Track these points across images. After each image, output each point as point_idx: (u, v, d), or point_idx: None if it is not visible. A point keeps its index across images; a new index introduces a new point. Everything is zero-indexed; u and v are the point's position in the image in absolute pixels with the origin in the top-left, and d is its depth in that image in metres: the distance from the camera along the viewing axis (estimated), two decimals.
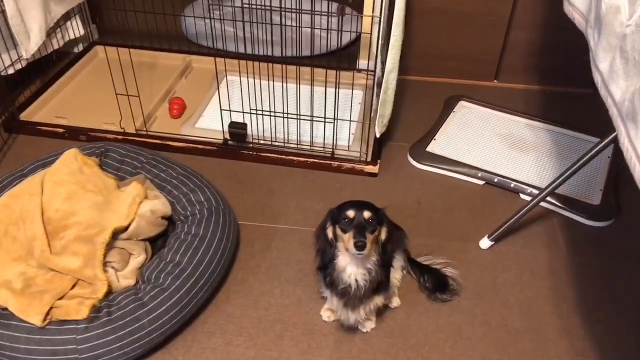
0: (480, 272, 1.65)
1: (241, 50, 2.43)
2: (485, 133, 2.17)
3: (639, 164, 0.95)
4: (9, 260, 1.42)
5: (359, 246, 1.22)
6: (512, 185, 1.92)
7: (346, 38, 2.59)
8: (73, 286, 1.36)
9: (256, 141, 2.01)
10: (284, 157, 2.01)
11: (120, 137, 2.08)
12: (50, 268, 1.36)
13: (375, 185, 1.96)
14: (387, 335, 1.48)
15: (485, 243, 1.73)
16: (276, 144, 2.01)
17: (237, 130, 1.94)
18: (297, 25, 2.31)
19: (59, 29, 2.33)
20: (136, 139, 2.07)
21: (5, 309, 1.33)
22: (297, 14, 2.07)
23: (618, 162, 2.03)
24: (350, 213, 1.29)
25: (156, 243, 1.59)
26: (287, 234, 1.77)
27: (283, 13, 2.09)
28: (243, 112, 1.92)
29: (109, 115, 2.12)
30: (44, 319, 1.29)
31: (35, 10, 2.05)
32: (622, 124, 1.04)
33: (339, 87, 1.85)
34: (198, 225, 1.55)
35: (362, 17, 2.29)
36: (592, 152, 1.63)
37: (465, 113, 2.28)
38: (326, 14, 2.57)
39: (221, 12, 2.59)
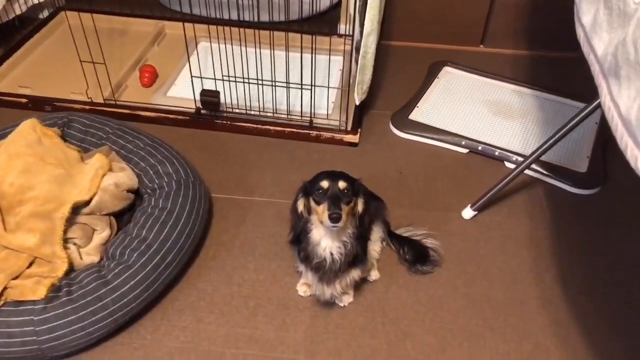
0: (462, 242, 1.60)
1: (217, 15, 2.31)
2: (470, 100, 2.09)
3: (620, 123, 0.88)
4: None
5: (334, 218, 1.15)
6: (496, 153, 1.86)
7: (326, 2, 2.47)
8: (30, 265, 1.29)
9: (230, 110, 1.91)
10: (259, 126, 1.92)
11: (87, 107, 1.97)
12: (4, 246, 1.28)
13: (355, 155, 1.88)
14: (365, 309, 1.42)
15: (468, 213, 1.67)
16: (251, 113, 1.92)
17: (210, 98, 1.84)
18: None
19: None
20: (105, 109, 1.97)
21: None
22: None
23: (605, 128, 1.96)
24: (324, 184, 1.21)
25: (122, 218, 1.51)
26: (262, 206, 1.69)
27: None
28: (215, 79, 1.82)
29: (76, 85, 2.01)
30: None
31: None
32: (603, 81, 0.97)
33: (315, 53, 1.75)
34: (166, 199, 1.47)
35: None
36: (578, 117, 1.56)
37: (450, 79, 2.19)
38: None
39: None
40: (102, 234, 1.41)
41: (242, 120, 1.92)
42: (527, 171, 1.77)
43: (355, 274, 1.32)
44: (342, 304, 1.43)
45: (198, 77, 1.82)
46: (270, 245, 1.57)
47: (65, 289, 1.27)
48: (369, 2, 1.57)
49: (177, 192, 1.48)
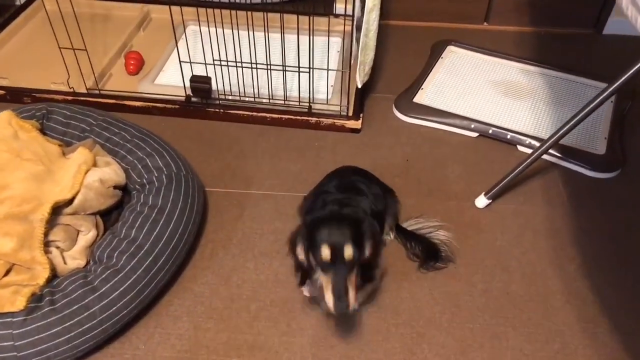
0: (477, 234, 1.49)
1: None
2: (476, 80, 1.97)
3: None
4: None
5: (341, 306, 1.03)
6: (508, 137, 1.74)
7: None
8: (7, 272, 1.16)
9: (223, 97, 1.78)
10: (255, 114, 1.79)
11: (70, 97, 1.84)
12: None
13: (358, 142, 1.77)
14: (376, 310, 1.31)
15: (481, 202, 1.56)
16: (245, 99, 1.79)
17: (200, 84, 1.71)
18: None
19: None
20: (88, 99, 1.83)
21: None
22: None
23: (623, 105, 1.86)
24: (325, 253, 1.05)
25: (109, 217, 1.38)
26: (261, 200, 1.57)
27: None
28: (206, 64, 1.69)
29: (57, 75, 1.87)
30: None
31: None
32: None
33: (313, 34, 1.62)
34: (156, 195, 1.34)
35: None
36: (600, 97, 1.43)
37: (455, 59, 2.07)
38: None
39: None
40: (87, 236, 1.28)
41: (236, 107, 1.79)
42: (543, 156, 1.65)
43: (365, 292, 1.24)
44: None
45: (187, 62, 1.69)
46: (271, 243, 1.46)
47: (47, 298, 1.15)
48: None
49: (168, 187, 1.36)
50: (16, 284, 1.15)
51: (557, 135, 1.49)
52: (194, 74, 1.72)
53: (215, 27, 1.64)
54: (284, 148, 1.74)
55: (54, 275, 1.22)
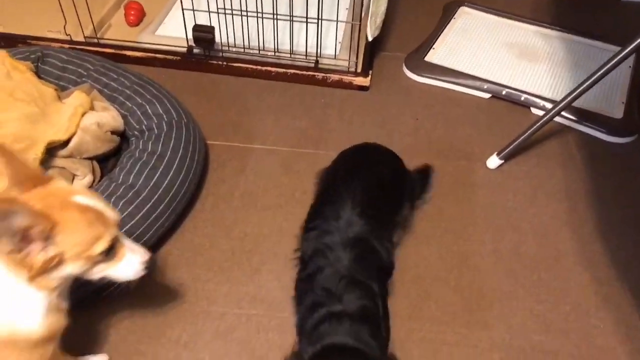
0: (488, 194, 1.44)
1: None
2: (490, 42, 1.90)
3: None
4: None
5: None
6: (522, 99, 1.68)
7: None
8: None
9: (226, 49, 1.71)
10: (259, 67, 1.72)
11: (67, 46, 1.76)
12: None
13: (366, 101, 1.70)
14: None
15: (493, 162, 1.50)
16: (250, 52, 1.72)
17: (203, 34, 1.64)
18: None
19: None
20: (86, 48, 1.75)
21: None
22: None
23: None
24: None
25: (106, 164, 1.33)
26: (264, 155, 1.52)
27: None
28: (209, 12, 1.61)
29: (54, 22, 1.79)
30: None
31: None
32: None
33: None
34: (156, 142, 1.29)
35: None
36: (614, 60, 1.37)
37: (467, 20, 2.00)
38: None
39: None
40: (83, 181, 1.23)
41: (240, 60, 1.72)
42: (557, 118, 1.59)
43: None
44: None
45: (190, 9, 1.61)
46: (275, 197, 1.41)
47: None
48: None
49: (168, 135, 1.30)
50: None
51: (572, 96, 1.42)
52: (197, 23, 1.64)
53: None
54: (288, 104, 1.67)
55: None
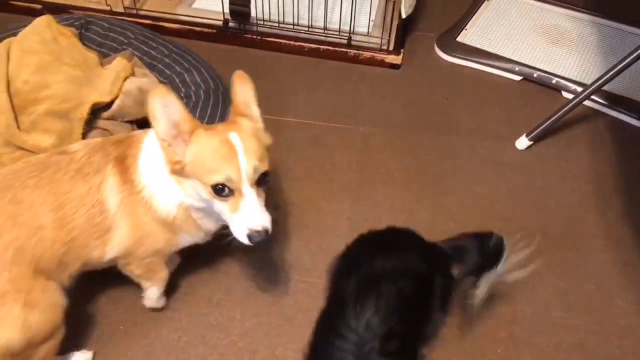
0: (515, 174, 1.45)
1: None
2: (523, 24, 1.89)
3: None
4: None
5: None
6: (553, 82, 1.68)
7: None
8: None
9: (261, 23, 1.74)
10: (292, 42, 1.75)
11: (107, 16, 1.80)
12: (19, 146, 1.15)
13: (397, 79, 1.72)
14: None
15: (522, 143, 1.51)
16: (284, 26, 1.74)
17: (239, 7, 1.67)
18: None
19: None
20: (125, 18, 1.79)
21: None
22: None
23: None
24: None
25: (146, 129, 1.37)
26: (295, 128, 1.55)
27: None
28: None
29: None
30: None
31: None
32: None
33: None
34: (194, 109, 1.33)
35: None
36: None
37: (500, 2, 1.99)
38: None
39: None
40: None
41: (274, 35, 1.75)
42: (587, 102, 1.60)
43: None
44: None
45: None
46: (305, 168, 1.44)
47: None
48: None
49: (206, 102, 1.34)
50: None
51: (603, 79, 1.43)
52: None
53: None
54: (320, 79, 1.70)
55: None
